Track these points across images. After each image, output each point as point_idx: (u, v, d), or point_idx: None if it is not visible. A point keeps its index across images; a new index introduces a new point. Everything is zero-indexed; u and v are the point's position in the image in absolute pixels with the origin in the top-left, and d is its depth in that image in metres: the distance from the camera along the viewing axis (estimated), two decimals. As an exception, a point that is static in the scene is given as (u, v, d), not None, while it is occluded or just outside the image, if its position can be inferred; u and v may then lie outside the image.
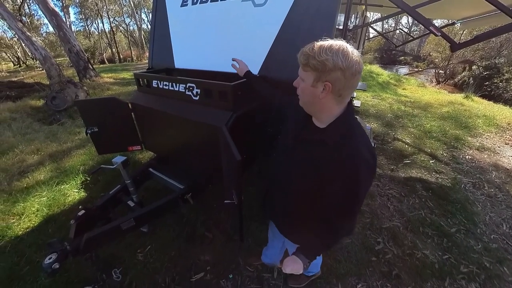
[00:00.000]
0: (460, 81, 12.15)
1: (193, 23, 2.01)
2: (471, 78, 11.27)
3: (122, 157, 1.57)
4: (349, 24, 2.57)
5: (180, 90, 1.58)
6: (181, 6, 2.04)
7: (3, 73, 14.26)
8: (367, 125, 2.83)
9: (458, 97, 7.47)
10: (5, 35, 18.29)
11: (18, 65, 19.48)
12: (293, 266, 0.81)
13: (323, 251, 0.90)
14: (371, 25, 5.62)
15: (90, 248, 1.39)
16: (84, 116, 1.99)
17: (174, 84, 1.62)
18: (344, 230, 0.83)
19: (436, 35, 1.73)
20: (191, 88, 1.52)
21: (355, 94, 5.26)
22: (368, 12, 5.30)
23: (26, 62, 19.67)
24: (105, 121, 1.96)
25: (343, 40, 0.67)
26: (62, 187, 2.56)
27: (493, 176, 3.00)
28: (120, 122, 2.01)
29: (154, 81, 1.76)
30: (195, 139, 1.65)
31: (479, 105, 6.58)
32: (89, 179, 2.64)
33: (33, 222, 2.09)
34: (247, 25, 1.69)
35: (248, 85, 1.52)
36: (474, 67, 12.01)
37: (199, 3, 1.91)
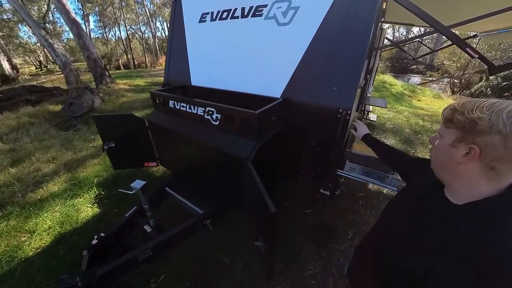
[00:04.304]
0: (477, 92, 11.65)
1: (211, 40, 1.97)
2: (488, 89, 10.80)
3: (141, 181, 1.51)
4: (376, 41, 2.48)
5: (199, 113, 1.52)
6: (199, 22, 2.01)
7: (25, 76, 14.99)
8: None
9: (479, 110, 7.12)
10: (29, 40, 19.34)
11: (40, 69, 20.49)
12: None
13: None
14: (400, 45, 5.49)
15: (103, 284, 1.30)
16: (102, 132, 1.98)
17: (192, 106, 1.56)
18: None
19: (473, 57, 1.61)
20: (210, 112, 1.46)
21: (371, 108, 5.09)
22: (384, 24, 5.18)
23: (47, 66, 20.68)
24: (122, 137, 1.94)
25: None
26: (76, 201, 2.54)
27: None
28: (137, 138, 2.00)
29: (171, 101, 1.72)
30: (213, 165, 1.57)
31: (502, 119, 6.24)
32: (103, 193, 2.62)
33: (44, 241, 2.05)
34: (269, 45, 1.63)
35: (273, 111, 1.44)
36: (491, 77, 11.52)
37: (218, 20, 1.87)
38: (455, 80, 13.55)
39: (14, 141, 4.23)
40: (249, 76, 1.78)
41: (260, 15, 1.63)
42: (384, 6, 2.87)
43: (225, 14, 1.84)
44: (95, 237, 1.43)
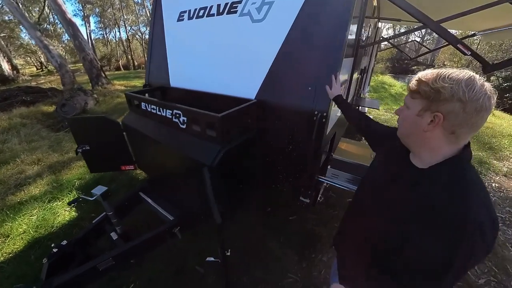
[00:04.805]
0: (479, 93, 11.52)
1: (189, 39, 1.90)
2: (490, 90, 10.66)
3: (102, 187, 1.43)
4: (362, 38, 2.39)
5: (167, 116, 1.44)
6: (177, 21, 1.94)
7: (25, 77, 15.05)
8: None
9: (479, 111, 6.99)
10: (30, 41, 19.48)
11: (41, 70, 20.64)
12: None
13: None
14: (389, 40, 5.37)
15: None
16: (76, 135, 1.91)
17: (161, 109, 1.48)
18: None
19: (465, 54, 1.51)
20: (177, 115, 1.38)
21: (366, 109, 4.98)
22: (380, 23, 5.07)
23: (48, 67, 20.81)
24: (97, 140, 1.87)
25: (470, 70, 0.56)
26: (54, 204, 2.47)
27: (526, 210, 2.62)
28: (112, 141, 1.92)
29: (143, 103, 1.64)
30: (182, 170, 1.49)
31: (501, 121, 6.11)
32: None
33: (17, 246, 1.98)
34: (244, 42, 1.55)
35: (243, 114, 1.36)
36: (492, 77, 11.37)
37: (195, 18, 1.79)
38: (456, 81, 13.42)
39: (3, 142, 4.18)
40: (226, 77, 1.70)
41: (235, 12, 1.55)
42: (375, 3, 2.77)
43: (201, 12, 1.76)
44: (52, 245, 1.36)
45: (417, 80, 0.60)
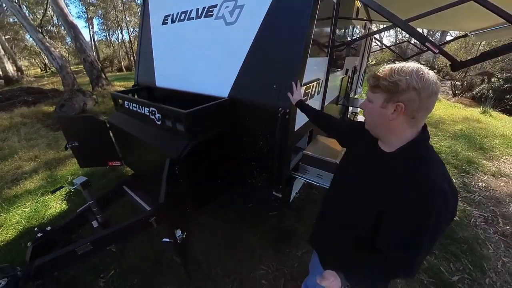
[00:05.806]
0: (478, 94, 11.45)
1: (172, 41, 2.00)
2: (490, 91, 10.59)
3: (83, 177, 1.54)
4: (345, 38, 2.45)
5: (146, 113, 1.54)
6: (162, 24, 2.04)
7: (30, 78, 15.38)
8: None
9: (475, 112, 6.98)
10: (34, 43, 19.88)
11: (45, 71, 21.06)
12: (334, 280, 0.71)
13: (368, 284, 0.81)
14: (371, 36, 5.38)
15: (42, 274, 1.33)
16: (66, 132, 2.03)
17: (140, 107, 1.59)
18: (399, 268, 0.70)
19: (434, 53, 1.57)
20: (153, 112, 1.48)
21: (358, 110, 5.03)
22: (374, 24, 5.10)
23: (51, 68, 21.21)
24: (85, 137, 1.98)
25: (415, 62, 0.65)
26: (47, 197, 2.58)
27: (510, 209, 2.62)
28: (99, 139, 2.03)
29: (126, 102, 1.75)
30: (158, 163, 1.58)
31: (497, 121, 6.09)
32: (73, 190, 2.65)
33: (9, 235, 2.09)
34: (219, 44, 1.65)
35: (213, 110, 1.45)
36: (493, 79, 11.30)
37: (178, 21, 1.90)
38: (457, 82, 13.33)
39: (4, 140, 4.33)
40: (204, 76, 1.80)
41: (211, 15, 1.65)
42: (358, 4, 2.84)
43: (183, 15, 1.86)
44: (35, 229, 1.46)
45: (374, 77, 0.67)
